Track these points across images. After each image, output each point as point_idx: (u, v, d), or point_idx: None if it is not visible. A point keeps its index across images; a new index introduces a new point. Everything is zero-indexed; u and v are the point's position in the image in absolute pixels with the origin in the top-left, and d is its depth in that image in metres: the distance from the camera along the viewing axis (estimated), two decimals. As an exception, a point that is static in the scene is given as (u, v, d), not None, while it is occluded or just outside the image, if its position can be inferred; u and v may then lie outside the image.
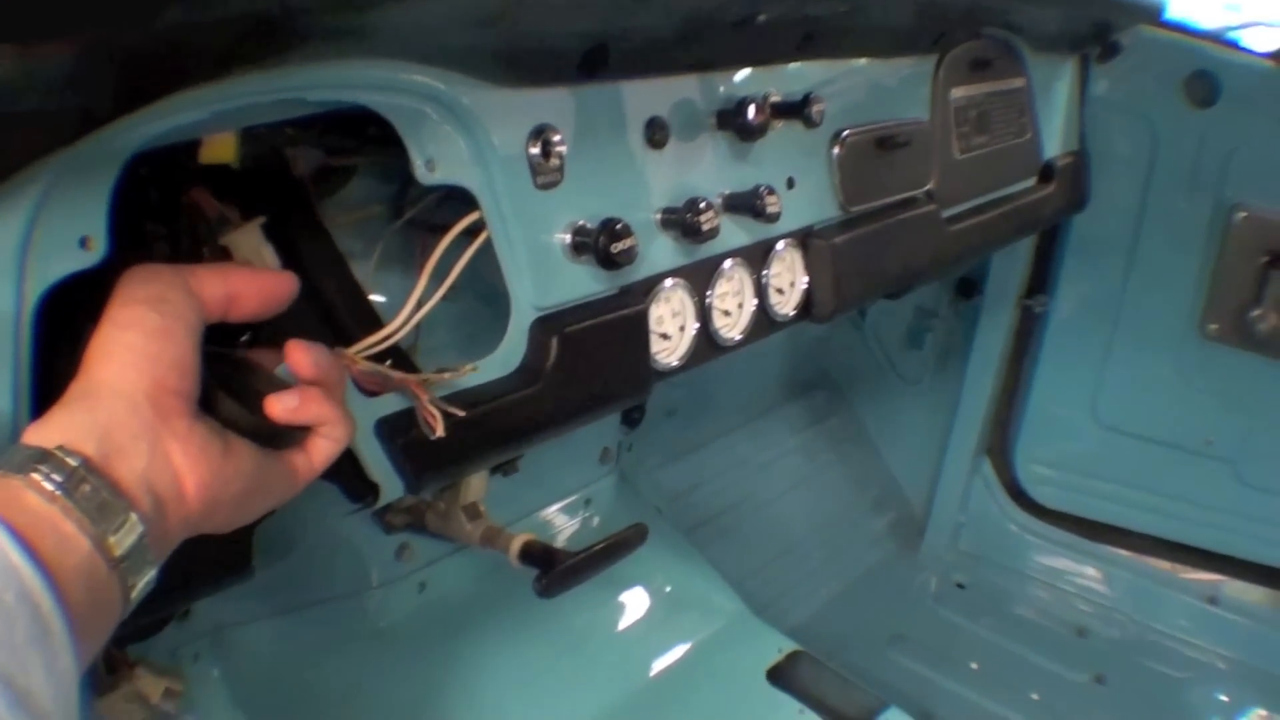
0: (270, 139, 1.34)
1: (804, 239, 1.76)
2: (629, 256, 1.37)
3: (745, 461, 3.22)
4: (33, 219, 0.93)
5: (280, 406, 1.02)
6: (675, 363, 1.57)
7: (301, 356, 1.05)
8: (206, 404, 0.98)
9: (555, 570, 1.66)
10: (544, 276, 1.36)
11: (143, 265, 0.99)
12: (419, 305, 1.20)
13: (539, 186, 1.34)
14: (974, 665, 3.01)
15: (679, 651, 2.28)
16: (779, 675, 2.24)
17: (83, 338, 1.09)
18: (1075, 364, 3.03)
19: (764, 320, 1.71)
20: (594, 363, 1.42)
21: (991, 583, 3.29)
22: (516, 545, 1.73)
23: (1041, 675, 2.97)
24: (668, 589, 2.38)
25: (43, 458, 0.84)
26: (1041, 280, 3.04)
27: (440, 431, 1.16)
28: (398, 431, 1.22)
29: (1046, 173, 2.54)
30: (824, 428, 3.50)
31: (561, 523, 2.36)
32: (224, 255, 1.23)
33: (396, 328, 1.20)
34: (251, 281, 1.04)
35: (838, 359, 3.57)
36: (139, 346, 0.92)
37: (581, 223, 1.38)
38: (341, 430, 1.08)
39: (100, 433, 0.88)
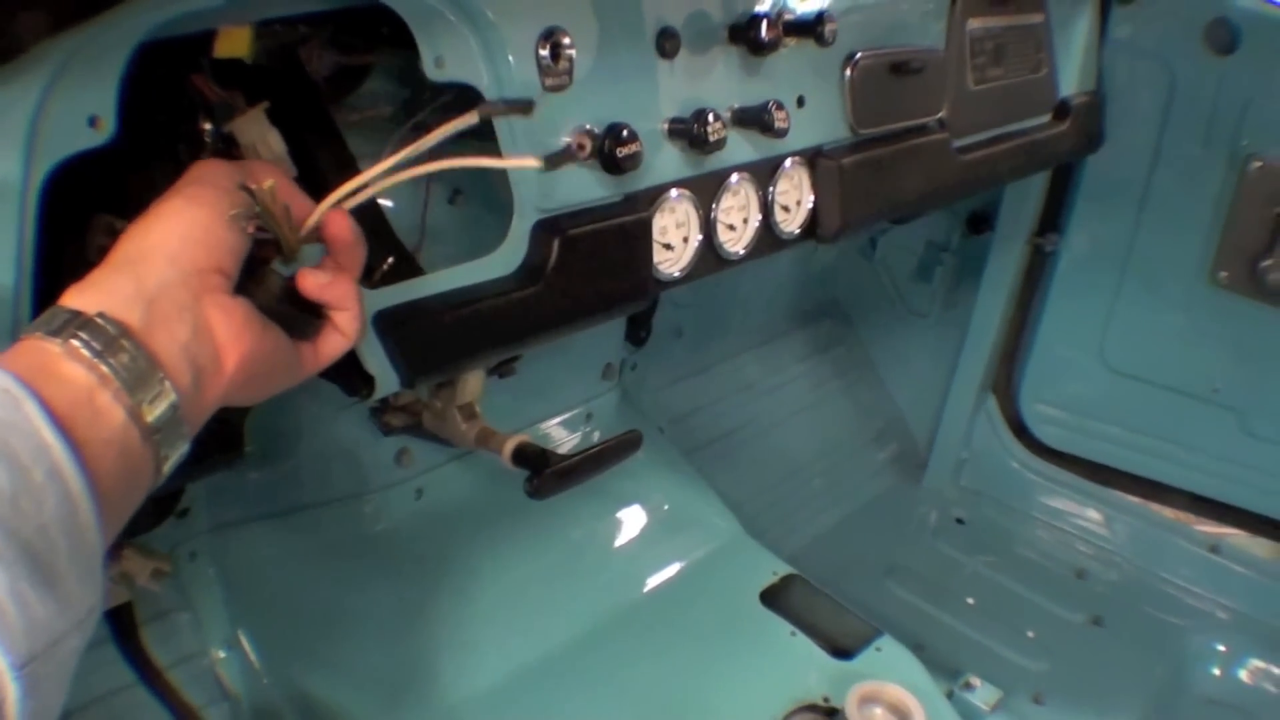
0: (285, 36, 1.36)
1: (812, 158, 1.78)
2: (634, 162, 1.39)
3: (750, 386, 3.23)
4: (45, 93, 0.96)
5: (313, 281, 1.06)
6: (677, 273, 1.59)
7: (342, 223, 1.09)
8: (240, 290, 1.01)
9: (547, 472, 1.66)
10: (548, 178, 1.38)
11: (218, 160, 1.04)
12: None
13: (547, 89, 1.36)
14: (970, 600, 3.02)
15: (674, 569, 2.30)
16: (772, 597, 2.25)
17: (89, 226, 1.12)
18: (1084, 305, 3.02)
19: (768, 237, 1.73)
20: (595, 267, 1.44)
21: (991, 520, 3.29)
22: (510, 446, 1.72)
23: (1038, 614, 2.98)
24: (665, 507, 2.40)
25: (84, 324, 0.85)
26: (1053, 219, 3.02)
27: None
28: (395, 324, 1.24)
29: (1061, 110, 2.54)
30: (830, 356, 3.51)
31: (562, 436, 2.38)
32: (228, 142, 1.25)
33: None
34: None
35: (847, 288, 3.57)
36: (206, 225, 0.96)
37: (588, 127, 1.40)
38: (354, 323, 1.11)
39: (147, 300, 0.90)
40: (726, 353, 3.17)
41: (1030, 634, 2.92)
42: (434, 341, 1.28)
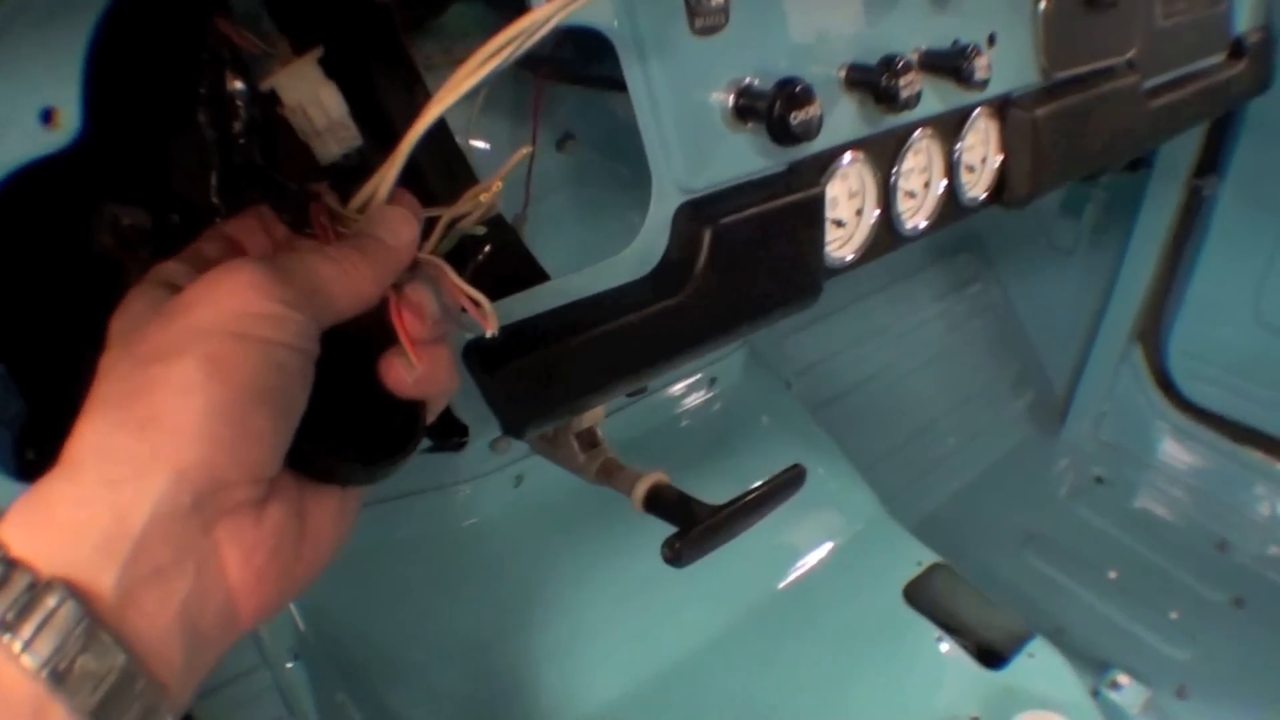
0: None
1: (1001, 108, 1.38)
2: (810, 129, 1.00)
3: (883, 330, 2.86)
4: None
5: (409, 378, 0.70)
6: (850, 256, 1.21)
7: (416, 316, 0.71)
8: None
9: (692, 532, 1.18)
10: (697, 149, 0.99)
11: (244, 263, 0.63)
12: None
13: (696, 31, 0.96)
14: (1111, 574, 2.68)
15: (808, 561, 1.93)
16: (917, 593, 1.90)
17: (93, 219, 0.80)
18: (1240, 255, 2.66)
19: (951, 205, 1.35)
20: (755, 262, 1.04)
21: (1131, 480, 2.94)
22: (642, 489, 1.26)
23: (1180, 591, 2.64)
24: (794, 485, 2.00)
25: (28, 604, 0.51)
26: (1213, 160, 2.64)
27: (492, 328, 0.73)
28: (495, 359, 0.84)
29: (1236, 48, 2.13)
30: (967, 294, 3.12)
31: (681, 405, 2.00)
32: (268, 103, 0.85)
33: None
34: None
35: (986, 220, 3.13)
36: (227, 412, 0.58)
37: (748, 80, 1.01)
38: (447, 396, 0.76)
39: (131, 548, 0.54)
40: (859, 292, 2.80)
41: (1173, 615, 2.57)
42: (548, 378, 0.88)
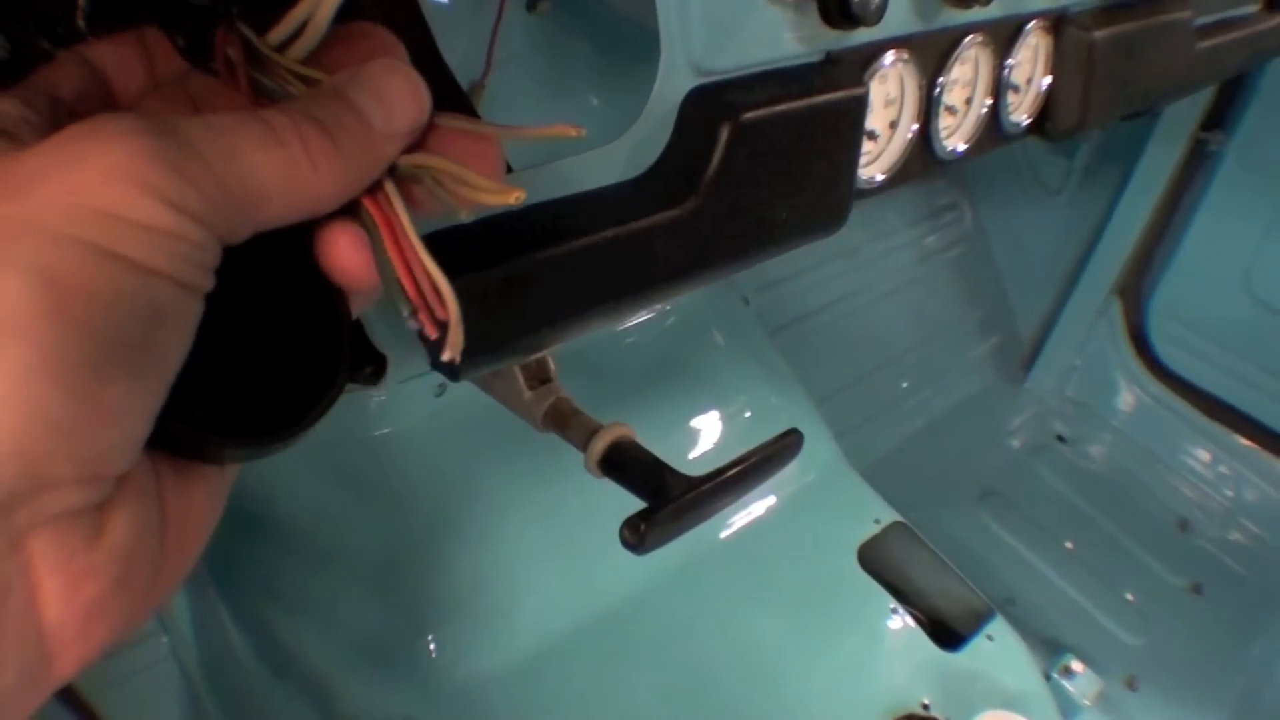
0: None
1: (1057, 23, 1.18)
2: (872, 10, 0.78)
3: (852, 252, 2.68)
4: None
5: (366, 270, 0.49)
6: (880, 177, 0.99)
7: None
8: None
9: (661, 512, 0.84)
10: (723, 19, 0.76)
11: (130, 124, 0.38)
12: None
13: None
14: (1068, 544, 2.53)
15: (754, 511, 1.72)
16: (872, 556, 1.72)
17: None
18: (1238, 218, 2.51)
19: (993, 128, 1.15)
20: (780, 172, 0.81)
21: (1094, 442, 2.80)
22: (600, 445, 0.93)
23: (1137, 571, 2.51)
24: (748, 415, 1.79)
25: None
26: (1221, 115, 2.49)
27: (450, 351, 0.50)
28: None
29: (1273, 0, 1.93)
30: (942, 222, 2.93)
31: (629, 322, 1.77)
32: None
33: None
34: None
35: (970, 147, 2.98)
36: (67, 371, 0.35)
37: (792, -62, 0.78)
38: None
39: None
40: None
41: (1129, 596, 2.45)
42: (505, 304, 0.64)
